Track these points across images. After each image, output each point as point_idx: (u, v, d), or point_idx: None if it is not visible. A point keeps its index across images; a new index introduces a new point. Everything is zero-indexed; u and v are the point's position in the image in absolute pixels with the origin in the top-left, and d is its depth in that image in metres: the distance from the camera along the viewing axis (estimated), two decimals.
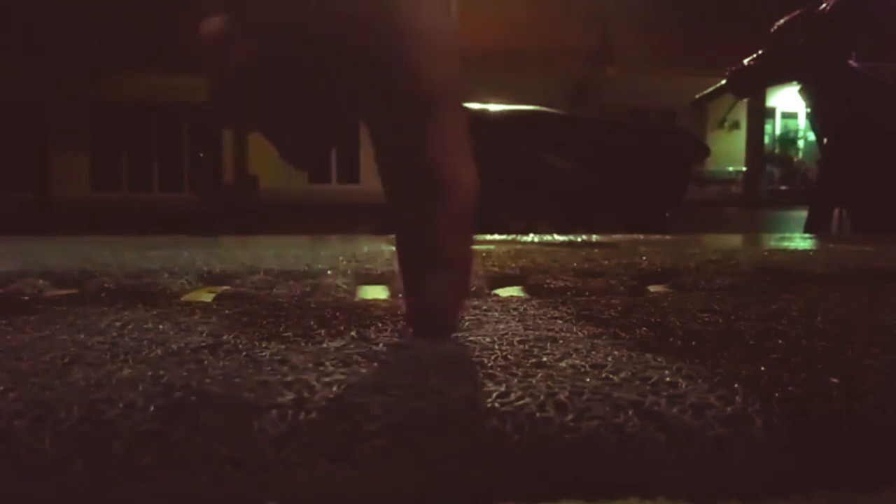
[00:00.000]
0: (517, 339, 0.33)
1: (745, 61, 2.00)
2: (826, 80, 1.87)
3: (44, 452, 0.21)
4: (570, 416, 0.23)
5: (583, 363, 0.28)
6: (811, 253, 0.87)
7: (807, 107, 2.02)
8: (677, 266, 0.69)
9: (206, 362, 0.28)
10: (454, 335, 0.33)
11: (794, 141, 14.28)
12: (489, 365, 0.28)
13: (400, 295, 0.54)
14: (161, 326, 0.36)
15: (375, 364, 0.28)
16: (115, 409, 0.23)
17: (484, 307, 0.42)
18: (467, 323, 0.37)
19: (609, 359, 0.29)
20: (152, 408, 0.23)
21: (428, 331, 0.32)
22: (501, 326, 0.37)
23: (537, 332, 0.35)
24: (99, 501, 0.21)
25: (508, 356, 0.30)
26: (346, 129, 0.31)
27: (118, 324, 0.37)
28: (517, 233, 1.26)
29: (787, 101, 13.50)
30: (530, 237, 1.15)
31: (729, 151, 13.24)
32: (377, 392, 0.24)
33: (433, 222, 0.29)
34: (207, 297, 0.55)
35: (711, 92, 2.13)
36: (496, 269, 0.65)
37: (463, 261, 0.31)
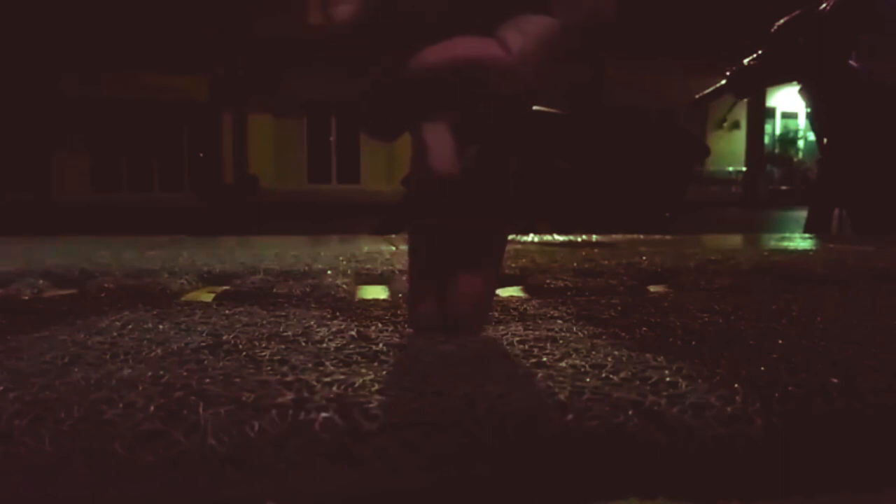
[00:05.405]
0: (517, 339, 0.33)
1: (745, 61, 2.00)
2: (826, 80, 1.87)
3: (44, 452, 0.21)
4: (570, 416, 0.23)
5: (583, 363, 0.28)
6: (811, 253, 0.86)
7: (807, 107, 2.02)
8: (677, 266, 0.69)
9: (206, 362, 0.28)
10: (453, 335, 0.33)
11: (794, 141, 14.27)
12: (489, 365, 0.28)
13: (401, 295, 0.54)
14: (161, 326, 0.36)
15: (375, 364, 0.28)
16: (115, 409, 0.23)
17: None
18: None
19: (609, 359, 0.29)
20: (152, 408, 0.23)
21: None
22: (501, 326, 0.37)
23: (537, 332, 0.35)
24: (99, 501, 0.21)
25: (508, 356, 0.30)
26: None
27: (118, 324, 0.37)
28: (517, 233, 1.25)
29: (787, 101, 13.49)
30: (530, 237, 1.15)
31: (729, 151, 13.23)
32: (377, 392, 0.24)
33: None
34: (207, 297, 0.55)
35: (711, 92, 2.13)
36: None
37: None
